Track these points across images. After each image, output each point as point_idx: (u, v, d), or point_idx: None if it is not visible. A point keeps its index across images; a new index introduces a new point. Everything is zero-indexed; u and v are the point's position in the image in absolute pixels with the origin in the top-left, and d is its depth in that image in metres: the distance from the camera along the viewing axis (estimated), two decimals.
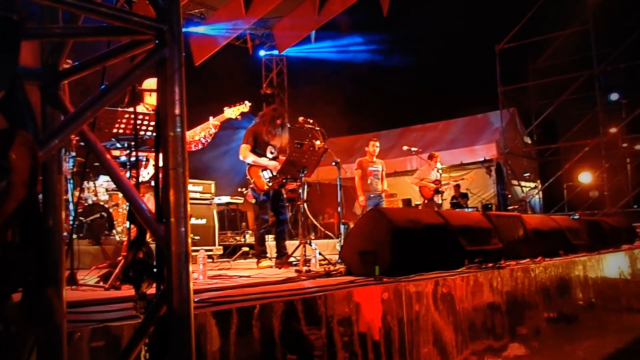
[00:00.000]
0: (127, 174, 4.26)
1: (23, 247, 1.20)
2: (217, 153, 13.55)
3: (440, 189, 10.57)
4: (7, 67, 1.21)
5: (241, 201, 10.78)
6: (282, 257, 6.20)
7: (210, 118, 5.66)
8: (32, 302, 1.25)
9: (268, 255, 6.50)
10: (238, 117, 6.03)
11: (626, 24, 15.29)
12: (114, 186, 7.29)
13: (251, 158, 6.26)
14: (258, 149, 6.35)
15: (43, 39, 1.71)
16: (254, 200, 6.44)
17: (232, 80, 15.14)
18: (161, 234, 1.62)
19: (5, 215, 1.08)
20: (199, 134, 5.57)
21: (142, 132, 4.27)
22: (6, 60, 1.21)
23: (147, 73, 1.65)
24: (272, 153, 6.38)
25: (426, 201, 10.96)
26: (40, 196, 1.64)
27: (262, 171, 6.28)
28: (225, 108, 6.02)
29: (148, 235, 1.72)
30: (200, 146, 5.55)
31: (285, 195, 6.64)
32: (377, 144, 9.48)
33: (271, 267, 6.03)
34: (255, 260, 6.40)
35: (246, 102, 6.11)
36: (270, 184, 6.22)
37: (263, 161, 6.28)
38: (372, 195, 9.22)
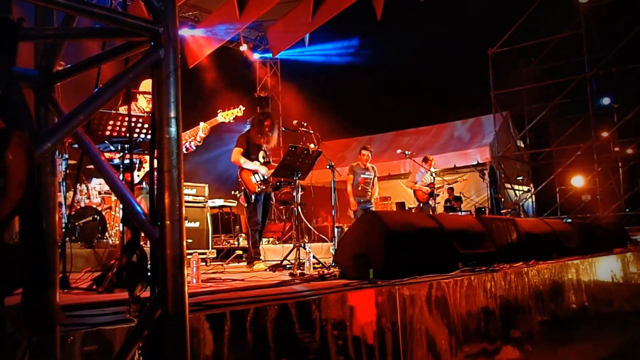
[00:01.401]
0: (121, 177, 4.24)
1: (19, 248, 1.19)
2: (210, 156, 13.54)
3: (434, 192, 10.60)
4: (3, 67, 1.20)
5: (234, 204, 10.75)
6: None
7: (201, 123, 5.67)
8: (31, 304, 1.24)
9: (262, 258, 6.51)
10: (231, 121, 6.05)
11: (618, 28, 15.37)
12: (106, 189, 7.26)
13: (242, 160, 6.33)
14: (251, 154, 6.45)
15: (37, 40, 1.70)
16: (246, 204, 6.46)
17: (225, 83, 15.13)
18: (156, 236, 1.61)
19: (1, 217, 1.06)
20: (188, 140, 5.58)
21: (135, 135, 4.26)
22: (2, 60, 1.20)
23: (141, 75, 1.64)
24: (263, 157, 6.47)
25: (421, 204, 10.99)
26: None
27: (254, 174, 6.33)
28: (219, 111, 6.03)
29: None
30: (185, 150, 5.56)
31: (274, 198, 6.72)
32: (367, 153, 9.52)
33: (265, 270, 6.02)
34: (249, 263, 6.40)
35: (240, 106, 6.13)
36: (262, 187, 6.27)
37: (255, 164, 6.34)
38: (362, 201, 9.30)
